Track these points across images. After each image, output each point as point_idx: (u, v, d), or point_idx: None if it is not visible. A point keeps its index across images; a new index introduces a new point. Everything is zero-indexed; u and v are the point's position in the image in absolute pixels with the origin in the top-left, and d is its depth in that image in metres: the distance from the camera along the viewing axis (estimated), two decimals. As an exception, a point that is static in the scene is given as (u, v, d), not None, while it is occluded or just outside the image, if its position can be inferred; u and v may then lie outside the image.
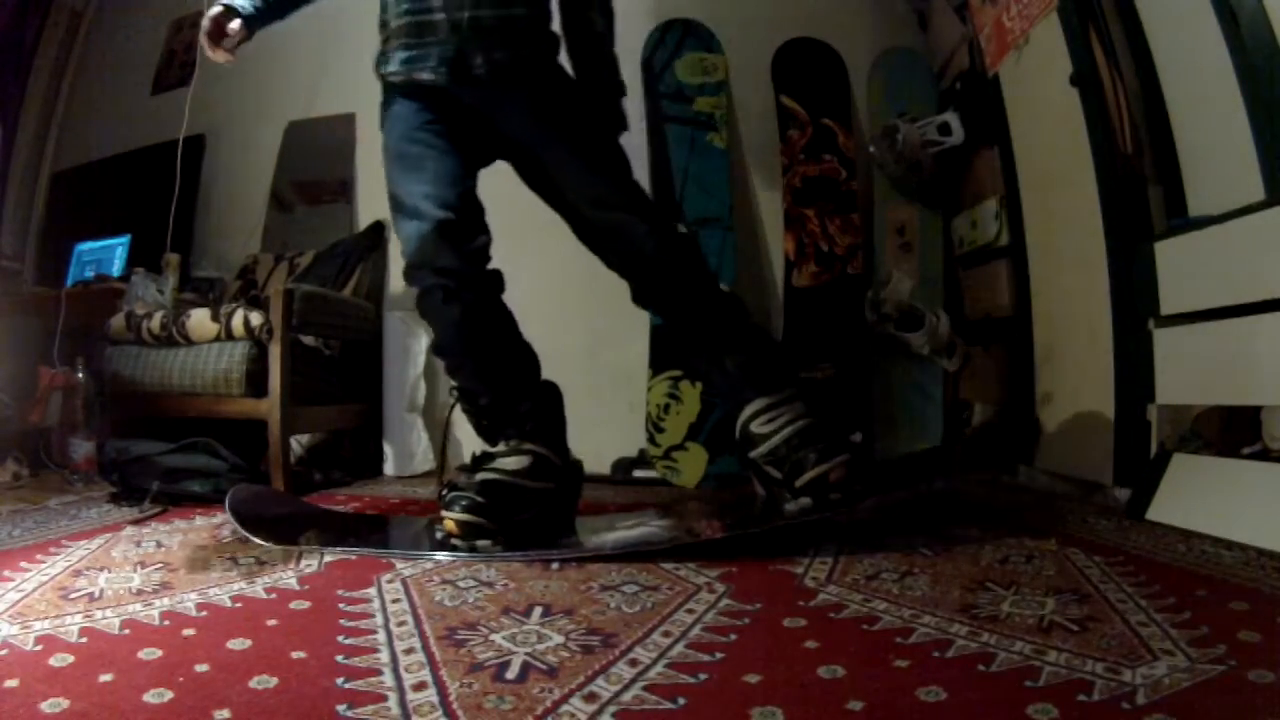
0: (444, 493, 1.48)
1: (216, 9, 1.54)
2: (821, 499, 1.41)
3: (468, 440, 2.71)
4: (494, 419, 1.54)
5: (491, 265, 1.55)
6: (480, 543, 1.41)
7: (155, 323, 2.24)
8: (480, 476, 1.49)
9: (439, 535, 1.45)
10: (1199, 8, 1.52)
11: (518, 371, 1.57)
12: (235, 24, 1.53)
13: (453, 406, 1.63)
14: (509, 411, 1.53)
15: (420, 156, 1.51)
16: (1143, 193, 1.75)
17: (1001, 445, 1.66)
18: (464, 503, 1.42)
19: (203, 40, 1.54)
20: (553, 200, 1.63)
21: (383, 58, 1.57)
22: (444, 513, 1.44)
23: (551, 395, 1.60)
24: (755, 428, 1.51)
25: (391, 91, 1.59)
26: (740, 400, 1.54)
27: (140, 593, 1.17)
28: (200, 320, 2.20)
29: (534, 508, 1.49)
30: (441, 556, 1.38)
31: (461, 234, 1.48)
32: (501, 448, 1.52)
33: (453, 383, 1.61)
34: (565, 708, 0.77)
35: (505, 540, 1.42)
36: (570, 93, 1.62)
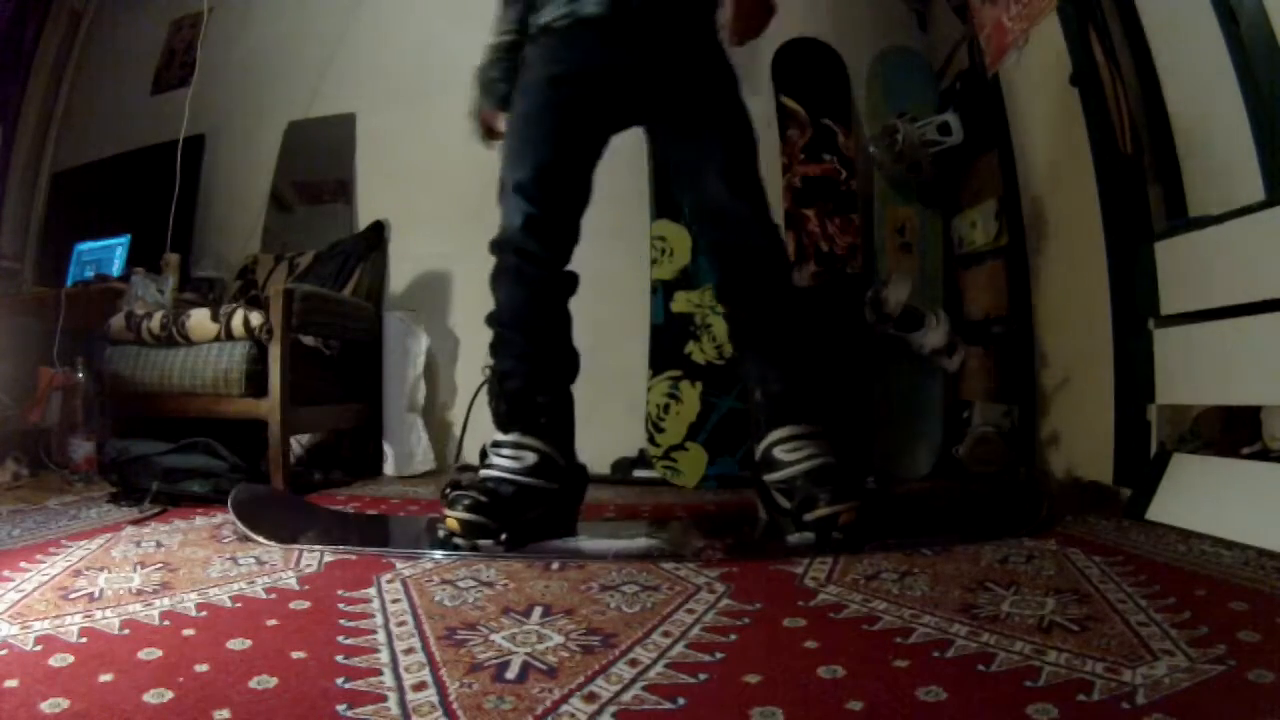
0: (447, 491, 1.48)
1: (478, 119, 1.74)
2: (825, 537, 1.40)
3: (467, 440, 2.72)
4: (514, 406, 1.54)
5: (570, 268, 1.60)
6: (483, 542, 1.41)
7: (155, 323, 2.24)
8: (483, 474, 1.49)
9: (441, 534, 1.45)
10: (1199, 8, 1.52)
11: (554, 367, 1.59)
12: (501, 118, 1.68)
13: (477, 391, 1.63)
14: (529, 401, 1.53)
15: (531, 143, 1.56)
16: (1143, 193, 1.75)
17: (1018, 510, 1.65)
18: (466, 501, 1.42)
19: (482, 140, 1.75)
20: (679, 177, 1.64)
21: (539, 11, 1.58)
22: (446, 511, 1.44)
23: (568, 401, 1.61)
24: (777, 453, 1.51)
25: (542, 41, 1.59)
26: (771, 423, 1.54)
27: (140, 593, 1.17)
28: (200, 320, 2.20)
29: (537, 507, 1.49)
30: (441, 556, 1.38)
31: (546, 232, 1.55)
32: (511, 438, 1.52)
33: (485, 365, 1.62)
34: (565, 708, 0.77)
35: (508, 540, 1.42)
36: (726, 65, 1.62)
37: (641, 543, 1.52)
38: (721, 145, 1.57)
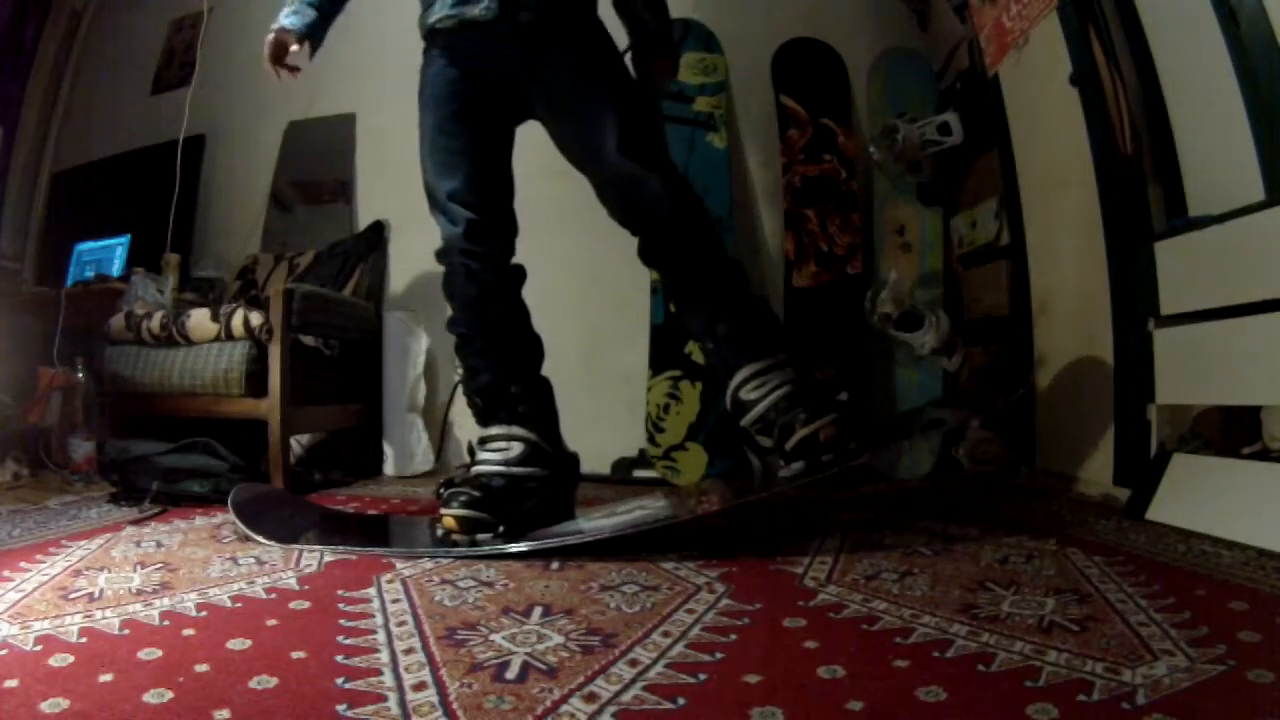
0: (441, 490, 1.48)
1: (271, 34, 1.63)
2: (814, 460, 1.41)
3: (467, 440, 2.72)
4: (489, 399, 1.58)
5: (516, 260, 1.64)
6: (481, 536, 1.42)
7: (155, 323, 2.24)
8: (475, 470, 1.50)
9: (439, 533, 1.46)
10: (1199, 8, 1.52)
11: (520, 356, 1.62)
12: (295, 46, 1.64)
13: (455, 388, 1.65)
14: (503, 392, 1.56)
15: (452, 153, 1.61)
16: (1143, 193, 1.74)
17: (999, 383, 1.64)
18: (462, 498, 1.43)
19: (266, 66, 1.64)
20: (578, 157, 1.65)
21: (427, 11, 1.63)
22: (443, 510, 1.45)
23: (543, 386, 1.64)
24: (744, 394, 1.51)
25: (431, 50, 1.65)
26: (731, 367, 1.54)
27: (140, 593, 1.17)
28: (200, 320, 2.20)
29: (532, 497, 1.50)
30: (442, 556, 1.38)
31: (487, 232, 1.59)
32: (494, 430, 1.54)
33: (457, 364, 1.66)
34: (565, 708, 0.77)
35: (506, 532, 1.42)
36: (612, 51, 1.66)
37: (638, 514, 1.53)
38: (612, 117, 1.57)
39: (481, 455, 1.53)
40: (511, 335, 1.62)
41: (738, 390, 1.52)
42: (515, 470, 1.50)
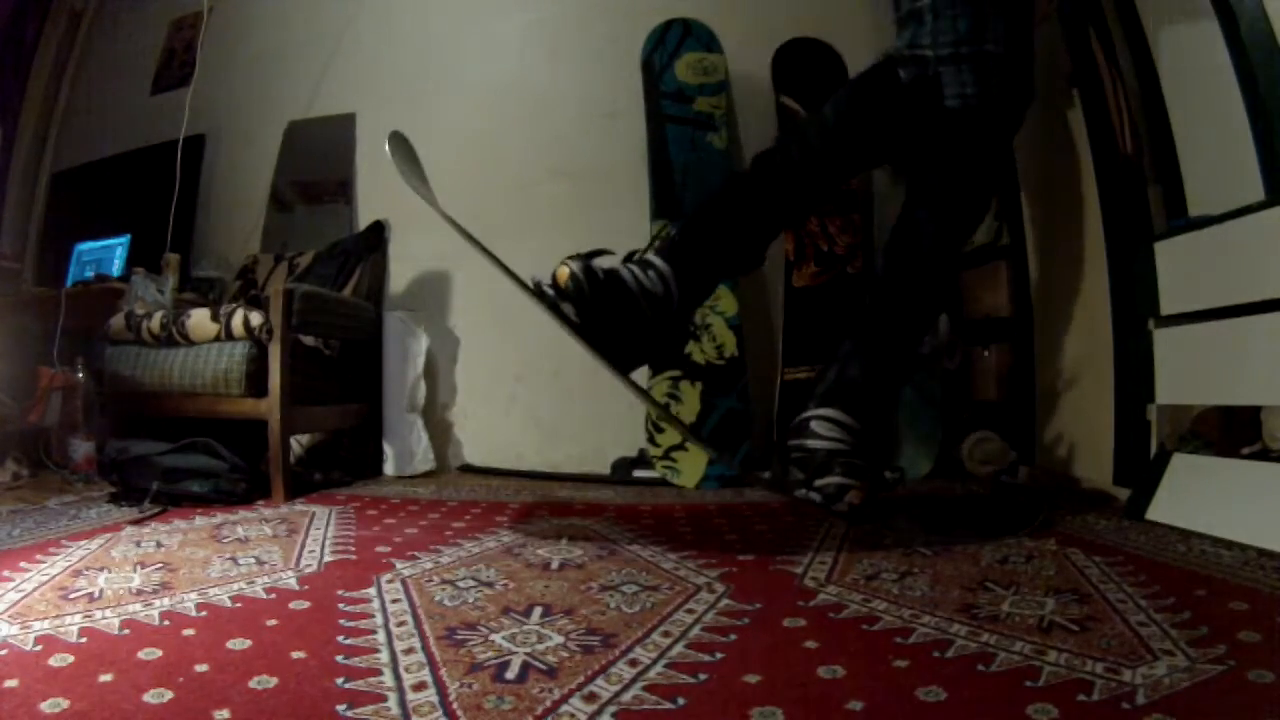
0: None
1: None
2: (828, 504, 1.43)
3: (468, 440, 2.72)
4: (673, 240, 1.56)
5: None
6: (566, 306, 1.40)
7: (155, 323, 2.24)
8: (597, 263, 1.45)
9: (533, 282, 1.43)
10: (1199, 8, 1.52)
11: (722, 214, 1.58)
12: None
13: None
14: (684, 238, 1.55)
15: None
16: (1143, 193, 1.75)
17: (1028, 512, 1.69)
18: (577, 267, 1.40)
19: None
20: (910, 196, 1.68)
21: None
22: (559, 265, 1.42)
23: (712, 239, 1.57)
24: (815, 425, 1.52)
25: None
26: (825, 398, 1.56)
27: (140, 593, 1.17)
28: (200, 320, 2.20)
29: (629, 317, 1.45)
30: (442, 557, 1.38)
31: None
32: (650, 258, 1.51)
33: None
34: (565, 708, 0.77)
35: (584, 331, 1.40)
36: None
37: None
38: (946, 185, 1.62)
39: (624, 264, 1.50)
40: (742, 206, 1.59)
41: (813, 419, 1.53)
42: (631, 284, 1.46)
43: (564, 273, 1.41)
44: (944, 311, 1.69)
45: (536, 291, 1.42)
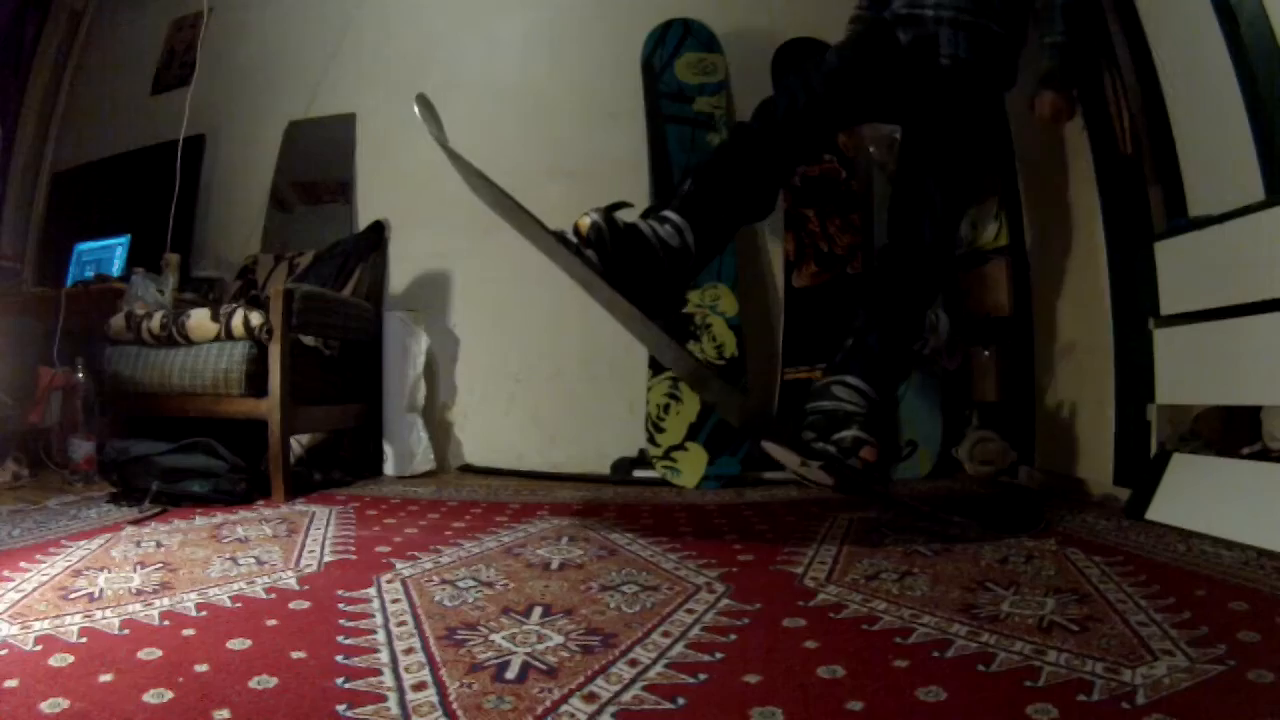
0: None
1: None
2: (843, 457, 1.45)
3: (467, 441, 2.72)
4: (686, 190, 1.58)
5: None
6: (589, 253, 1.41)
7: (155, 323, 2.24)
8: (619, 216, 1.46)
9: (556, 230, 1.44)
10: (1199, 8, 1.52)
11: (727, 175, 1.59)
12: None
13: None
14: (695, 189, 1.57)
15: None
16: (1143, 193, 1.75)
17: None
18: (599, 216, 1.43)
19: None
20: (908, 163, 1.77)
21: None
22: (581, 217, 1.43)
23: (723, 190, 1.58)
24: (835, 389, 1.55)
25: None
26: (848, 366, 1.58)
27: (140, 593, 1.17)
28: (200, 320, 2.20)
29: (648, 269, 1.46)
30: (442, 557, 1.38)
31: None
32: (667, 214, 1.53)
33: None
34: (565, 708, 0.77)
35: (609, 276, 1.41)
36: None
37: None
38: (952, 169, 1.70)
39: (643, 219, 1.52)
40: (748, 169, 1.62)
41: (834, 384, 1.55)
42: (648, 233, 1.49)
43: (585, 222, 1.43)
44: (947, 279, 1.74)
45: (560, 239, 1.43)
